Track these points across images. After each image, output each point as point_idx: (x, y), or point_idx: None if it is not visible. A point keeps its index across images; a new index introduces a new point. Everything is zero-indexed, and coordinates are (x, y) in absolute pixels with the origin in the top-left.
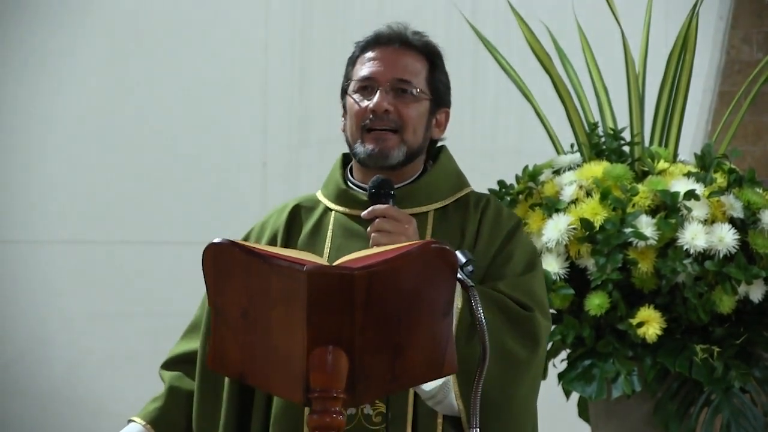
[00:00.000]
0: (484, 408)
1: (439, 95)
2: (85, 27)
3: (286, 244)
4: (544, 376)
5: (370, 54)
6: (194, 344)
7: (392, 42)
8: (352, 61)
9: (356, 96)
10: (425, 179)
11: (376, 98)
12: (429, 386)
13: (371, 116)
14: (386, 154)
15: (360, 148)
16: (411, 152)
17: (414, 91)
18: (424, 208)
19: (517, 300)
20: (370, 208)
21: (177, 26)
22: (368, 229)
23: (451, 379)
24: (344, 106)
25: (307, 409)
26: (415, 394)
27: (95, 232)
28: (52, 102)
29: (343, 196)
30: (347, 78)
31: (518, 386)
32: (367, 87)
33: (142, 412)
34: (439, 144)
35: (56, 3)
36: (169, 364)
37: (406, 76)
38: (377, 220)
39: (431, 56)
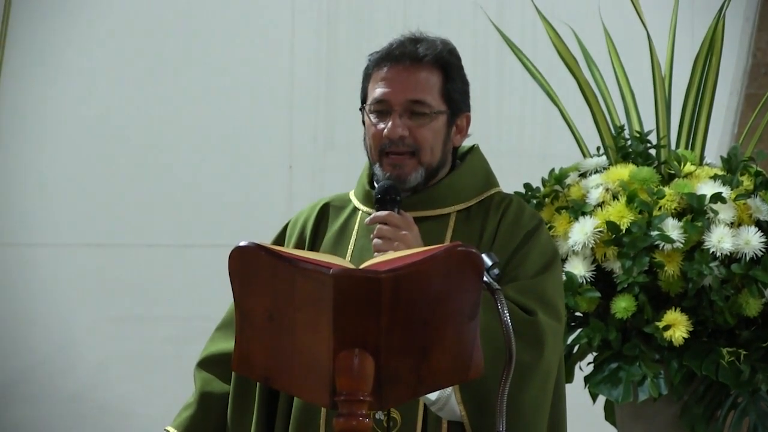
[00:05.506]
0: (491, 413)
1: (456, 104)
2: (103, 29)
3: (313, 241)
4: (569, 379)
5: (382, 72)
6: (229, 343)
7: (403, 59)
8: (367, 76)
9: (372, 117)
10: (447, 181)
11: (390, 124)
12: (433, 394)
13: (387, 141)
14: (404, 180)
15: (378, 171)
16: (430, 171)
17: (429, 111)
18: (446, 210)
19: (522, 304)
20: (372, 215)
21: (203, 30)
22: (371, 235)
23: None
24: (363, 121)
25: (323, 411)
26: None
27: (122, 235)
28: (62, 104)
29: (367, 197)
30: (364, 93)
31: (524, 391)
32: (381, 110)
33: (175, 421)
34: (471, 144)
35: (68, 4)
36: (204, 364)
37: (419, 96)
38: (378, 226)
39: (445, 67)
